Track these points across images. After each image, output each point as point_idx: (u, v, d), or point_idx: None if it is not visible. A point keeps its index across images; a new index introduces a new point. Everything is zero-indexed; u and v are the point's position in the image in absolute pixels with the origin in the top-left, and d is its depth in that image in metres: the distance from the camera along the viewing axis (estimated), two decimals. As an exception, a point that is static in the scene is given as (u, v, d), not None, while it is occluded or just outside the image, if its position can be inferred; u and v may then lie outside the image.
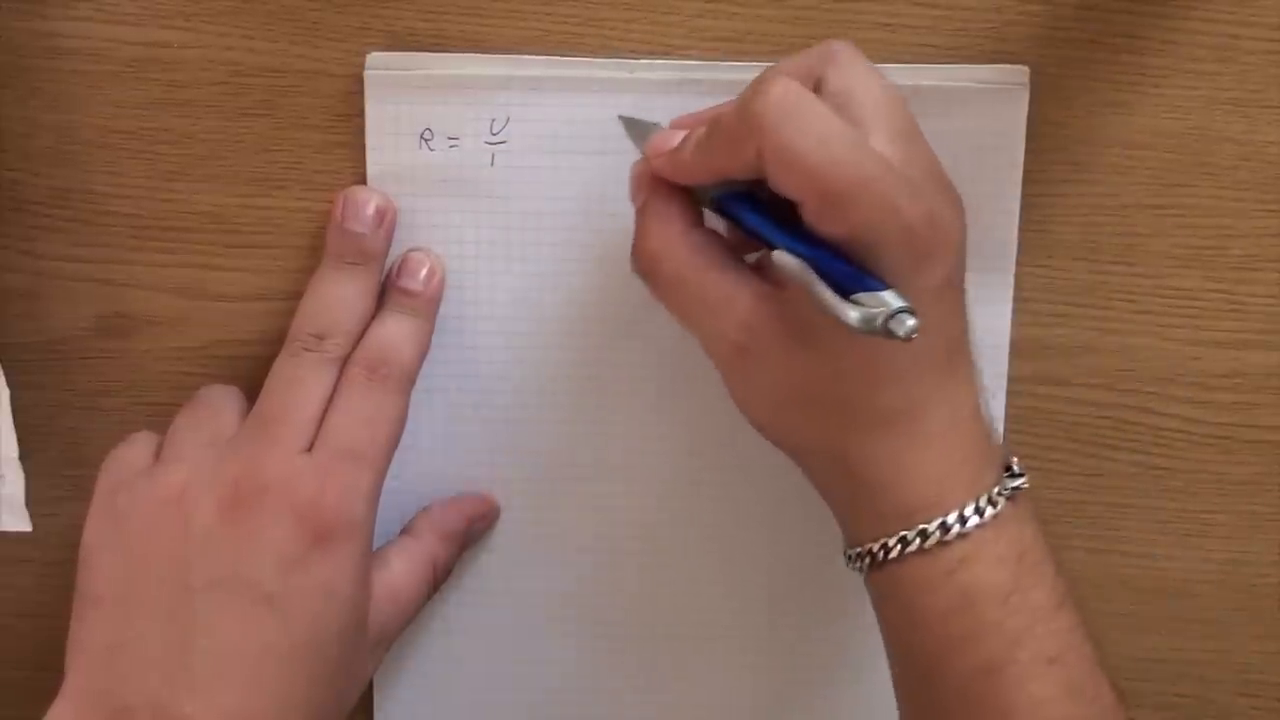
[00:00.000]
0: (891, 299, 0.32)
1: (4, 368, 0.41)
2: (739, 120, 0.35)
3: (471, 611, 0.45)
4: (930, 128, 0.41)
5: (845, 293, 0.33)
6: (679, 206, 0.38)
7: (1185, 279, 0.44)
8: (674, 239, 0.38)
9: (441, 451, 0.44)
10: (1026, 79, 0.42)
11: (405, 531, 0.43)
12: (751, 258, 0.39)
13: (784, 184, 0.34)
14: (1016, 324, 0.44)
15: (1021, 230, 0.43)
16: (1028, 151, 0.42)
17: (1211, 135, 0.43)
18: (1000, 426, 0.44)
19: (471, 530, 0.44)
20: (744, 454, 0.43)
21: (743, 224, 0.37)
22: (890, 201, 0.34)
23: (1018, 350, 0.44)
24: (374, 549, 0.40)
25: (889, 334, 0.32)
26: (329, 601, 0.37)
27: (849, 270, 0.34)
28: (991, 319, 0.43)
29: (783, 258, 0.34)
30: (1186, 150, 0.43)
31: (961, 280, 0.37)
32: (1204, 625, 0.46)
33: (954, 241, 0.36)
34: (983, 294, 0.43)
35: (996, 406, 0.44)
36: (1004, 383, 0.44)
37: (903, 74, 0.41)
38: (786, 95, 0.34)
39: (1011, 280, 0.43)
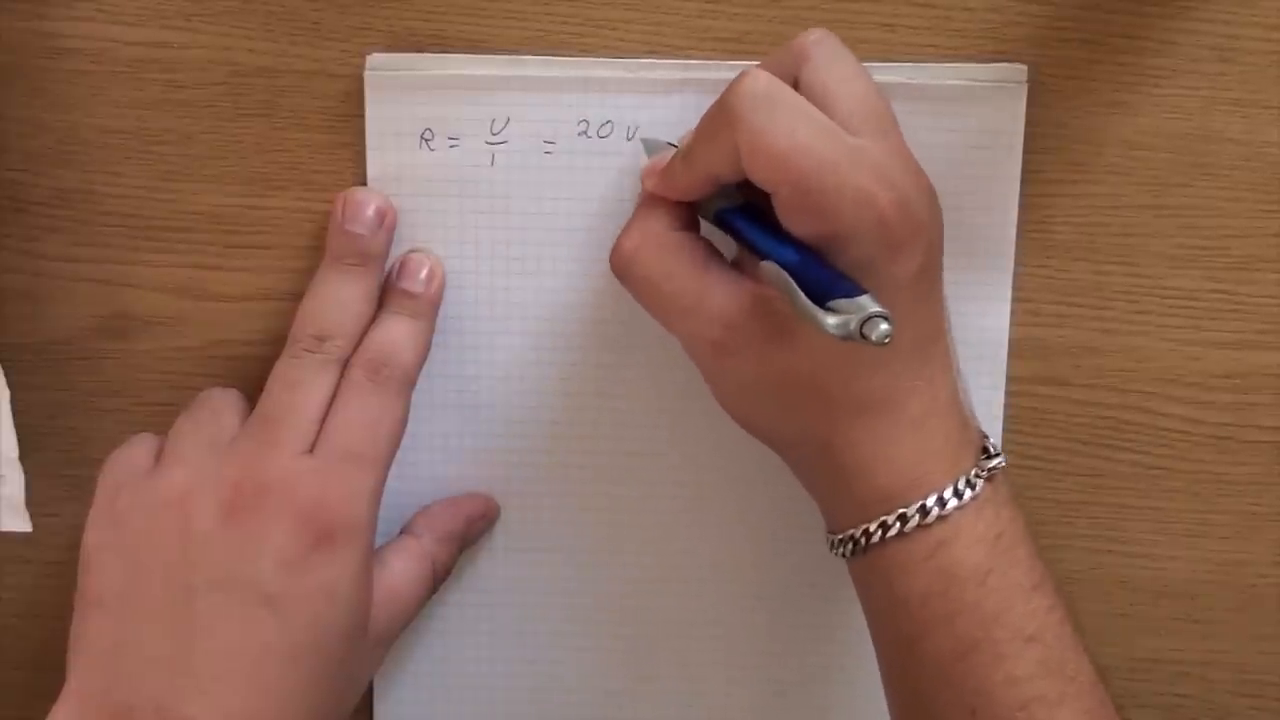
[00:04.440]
0: (868, 303, 0.33)
1: (4, 368, 0.41)
2: (716, 116, 0.36)
3: (472, 611, 0.45)
4: (930, 127, 0.42)
5: (824, 299, 0.34)
6: (663, 211, 0.39)
7: (1185, 279, 0.44)
8: (649, 241, 0.39)
9: (441, 451, 0.44)
10: (1025, 77, 0.42)
11: (404, 531, 0.43)
12: (730, 255, 0.40)
13: (757, 173, 0.35)
14: (1016, 324, 0.44)
15: (1021, 230, 0.43)
16: (1027, 151, 0.42)
17: (1211, 135, 0.43)
18: (1000, 426, 0.44)
19: (471, 530, 0.44)
20: (743, 451, 0.43)
21: (737, 234, 0.38)
22: (861, 189, 0.35)
23: (1018, 350, 0.44)
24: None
25: (864, 339, 0.33)
26: (330, 603, 0.37)
27: (828, 276, 0.34)
28: (991, 319, 0.43)
29: (769, 268, 0.35)
30: (1186, 150, 0.43)
31: (936, 270, 0.38)
32: (1204, 625, 0.46)
33: (927, 231, 0.36)
34: (982, 294, 0.43)
35: (996, 406, 0.44)
36: (1004, 382, 0.44)
37: (903, 74, 0.42)
38: (757, 86, 0.35)
39: (1011, 280, 0.43)
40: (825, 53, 0.37)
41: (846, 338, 0.33)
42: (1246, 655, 0.46)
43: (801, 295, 0.34)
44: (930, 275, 0.37)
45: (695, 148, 0.37)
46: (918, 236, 0.36)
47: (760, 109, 0.35)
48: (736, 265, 0.39)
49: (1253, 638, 0.46)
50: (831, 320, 0.33)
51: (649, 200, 0.39)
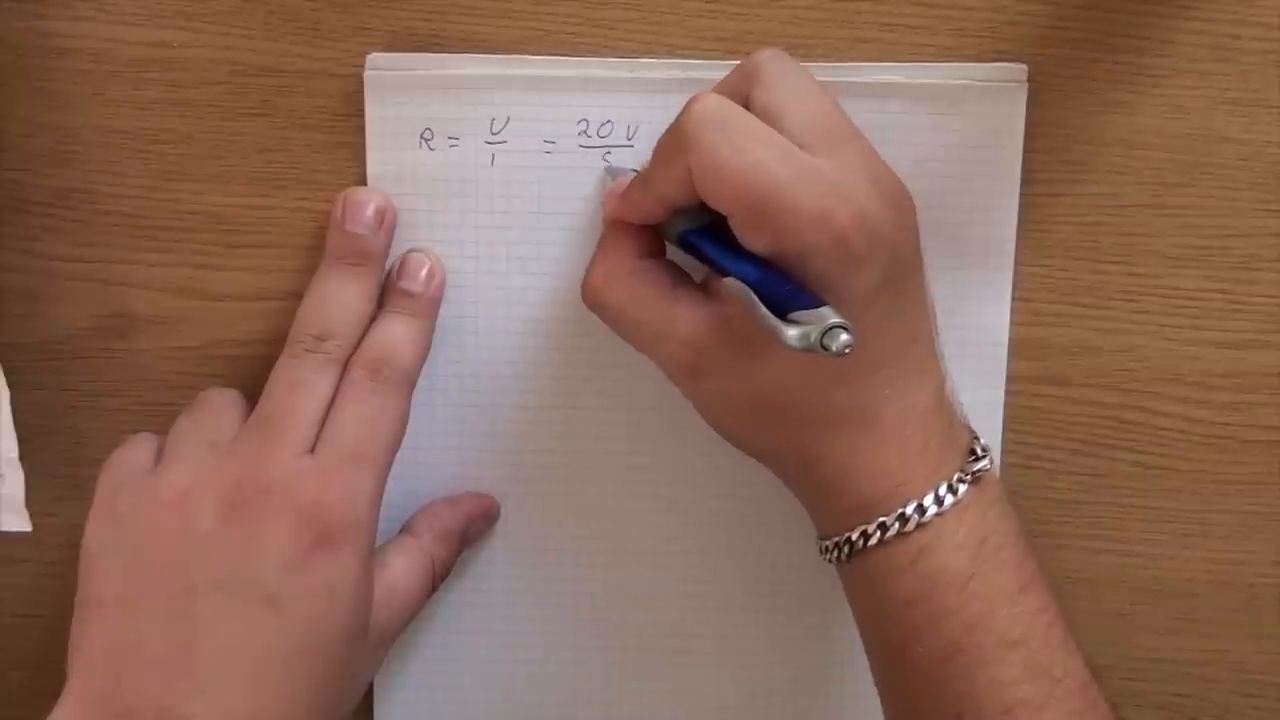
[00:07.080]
0: (827, 314, 0.33)
1: (4, 368, 0.41)
2: (669, 140, 0.37)
3: (471, 611, 0.45)
4: (930, 127, 0.42)
5: (785, 313, 0.34)
6: (626, 241, 0.39)
7: (1185, 279, 0.44)
8: (615, 272, 0.39)
9: (441, 451, 0.44)
10: (1024, 76, 0.42)
11: (405, 531, 0.43)
12: (699, 278, 0.40)
13: (710, 195, 0.36)
14: (1016, 324, 0.44)
15: (1021, 230, 0.43)
16: (1028, 151, 0.42)
17: (1211, 135, 0.43)
18: (999, 426, 0.44)
19: (471, 530, 0.44)
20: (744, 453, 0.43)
21: (699, 254, 0.38)
22: (817, 207, 0.35)
23: (1018, 350, 0.44)
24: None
25: (825, 350, 0.33)
26: (331, 602, 0.37)
27: (789, 290, 0.34)
28: (991, 318, 0.43)
29: (731, 283, 0.35)
30: (1186, 150, 0.43)
31: (907, 279, 0.38)
32: (1204, 625, 0.46)
33: (888, 243, 0.36)
34: (982, 294, 0.43)
35: (996, 406, 0.44)
36: (1004, 382, 0.44)
37: (903, 74, 0.42)
38: (708, 108, 0.36)
39: (1010, 279, 0.43)
40: (775, 70, 0.37)
41: (807, 349, 0.33)
42: (1246, 655, 0.46)
43: (762, 307, 0.34)
44: (897, 285, 0.37)
45: (651, 172, 0.38)
46: (877, 250, 0.36)
47: (712, 130, 0.35)
48: (704, 287, 0.39)
49: (1253, 638, 0.46)
50: (792, 332, 0.33)
51: (613, 230, 0.40)
